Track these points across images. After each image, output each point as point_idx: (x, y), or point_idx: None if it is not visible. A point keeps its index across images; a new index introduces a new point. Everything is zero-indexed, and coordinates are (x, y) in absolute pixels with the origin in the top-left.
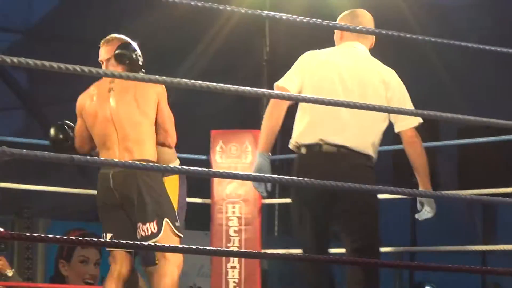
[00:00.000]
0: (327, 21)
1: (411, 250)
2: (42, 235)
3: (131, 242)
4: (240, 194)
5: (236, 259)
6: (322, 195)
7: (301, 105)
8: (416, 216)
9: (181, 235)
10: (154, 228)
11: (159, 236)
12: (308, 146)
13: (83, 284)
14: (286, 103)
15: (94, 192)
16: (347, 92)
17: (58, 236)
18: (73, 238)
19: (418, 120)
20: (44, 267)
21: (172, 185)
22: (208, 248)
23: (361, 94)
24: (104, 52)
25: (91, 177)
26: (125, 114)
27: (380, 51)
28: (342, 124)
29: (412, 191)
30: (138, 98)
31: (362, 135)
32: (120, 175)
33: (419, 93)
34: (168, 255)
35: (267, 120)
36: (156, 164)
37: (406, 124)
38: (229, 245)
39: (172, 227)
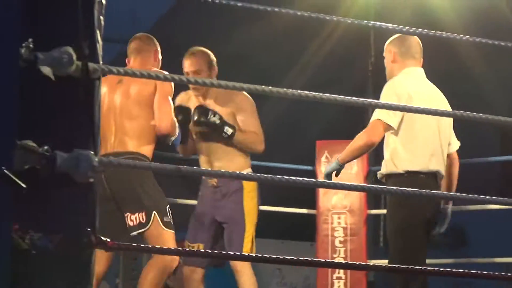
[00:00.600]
0: (432, 31)
1: None
2: (149, 245)
3: (232, 253)
4: (345, 204)
5: (342, 270)
6: (432, 209)
7: (405, 131)
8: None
9: (170, 230)
10: (142, 219)
11: (147, 227)
12: (425, 173)
13: None
14: (383, 133)
15: (195, 202)
16: (438, 121)
17: (164, 247)
18: (178, 248)
19: (459, 144)
20: None
21: (251, 193)
22: (310, 259)
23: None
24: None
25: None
26: (124, 107)
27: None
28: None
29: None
30: (141, 93)
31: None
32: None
33: None
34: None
35: (361, 142)
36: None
37: (456, 146)
38: (334, 255)
39: (159, 221)
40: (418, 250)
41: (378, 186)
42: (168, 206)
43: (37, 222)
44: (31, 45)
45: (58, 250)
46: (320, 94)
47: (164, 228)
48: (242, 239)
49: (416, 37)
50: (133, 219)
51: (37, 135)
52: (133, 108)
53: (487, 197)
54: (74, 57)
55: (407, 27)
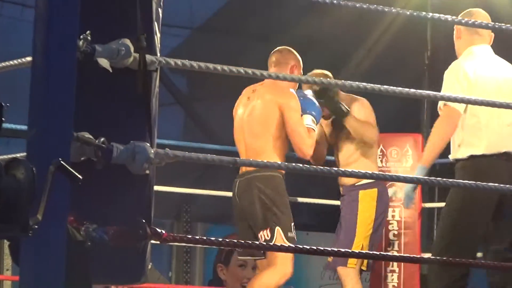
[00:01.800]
0: (487, 23)
1: None
2: (203, 237)
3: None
4: (400, 197)
5: (395, 263)
6: (494, 202)
7: (471, 113)
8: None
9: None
10: (267, 235)
11: (272, 243)
12: (489, 156)
13: None
14: (458, 120)
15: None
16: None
17: (219, 239)
18: (233, 240)
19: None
20: (202, 271)
21: (368, 200)
22: (364, 252)
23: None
24: (274, 61)
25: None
26: (249, 126)
27: None
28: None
29: None
30: (264, 110)
31: None
32: (243, 182)
33: None
34: (278, 262)
35: (438, 136)
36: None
37: None
38: (388, 248)
39: (283, 237)
40: (472, 232)
41: (434, 178)
42: (293, 223)
43: (92, 213)
44: (89, 37)
45: (113, 242)
46: (378, 86)
47: (287, 244)
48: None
49: (484, 13)
50: (260, 236)
51: (94, 127)
52: (256, 126)
53: None
54: (132, 49)
55: (465, 19)
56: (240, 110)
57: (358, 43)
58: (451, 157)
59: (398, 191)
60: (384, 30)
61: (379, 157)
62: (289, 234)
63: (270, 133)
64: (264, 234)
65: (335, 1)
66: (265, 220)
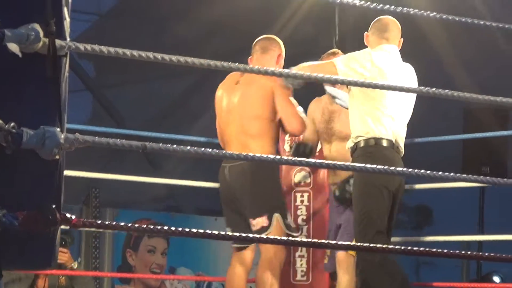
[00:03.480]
0: (399, 7)
1: (478, 239)
2: (113, 222)
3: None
4: (308, 182)
5: (304, 248)
6: (398, 186)
7: (359, 99)
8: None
9: (293, 233)
10: (265, 222)
11: (269, 230)
12: (389, 141)
13: (150, 273)
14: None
15: (164, 181)
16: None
17: (128, 224)
18: (142, 226)
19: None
20: (111, 256)
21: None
22: (272, 237)
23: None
24: (262, 47)
25: (159, 166)
26: (243, 109)
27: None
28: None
29: (482, 178)
30: (259, 93)
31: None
32: (235, 168)
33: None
34: (273, 250)
35: (311, 69)
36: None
37: None
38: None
39: (282, 223)
40: (381, 215)
41: (342, 163)
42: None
43: (2, 199)
44: None
45: (23, 227)
46: (286, 70)
47: (286, 231)
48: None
49: (392, 19)
50: (254, 223)
51: (3, 112)
52: (253, 108)
53: (451, 174)
54: (41, 34)
55: (374, 4)
56: (228, 94)
57: (264, 29)
58: (351, 143)
59: (307, 175)
60: (292, 14)
61: (287, 142)
62: (286, 221)
63: (266, 116)
64: (259, 221)
65: None
66: (262, 207)
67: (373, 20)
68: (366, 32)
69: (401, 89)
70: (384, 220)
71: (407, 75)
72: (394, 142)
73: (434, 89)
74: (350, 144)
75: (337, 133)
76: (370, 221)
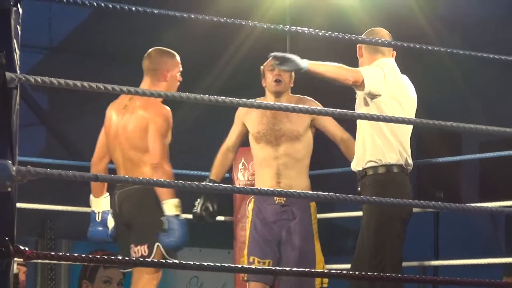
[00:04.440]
0: (347, 35)
1: (434, 264)
2: (67, 254)
3: (160, 261)
4: None
5: None
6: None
7: (373, 123)
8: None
9: (173, 260)
10: (144, 251)
11: (150, 259)
12: (399, 166)
13: None
14: (357, 82)
15: None
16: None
17: (83, 255)
18: (97, 256)
19: None
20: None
21: (315, 212)
22: (227, 265)
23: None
24: (145, 69)
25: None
26: (125, 138)
27: (401, 67)
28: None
29: (436, 204)
30: (137, 123)
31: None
32: (122, 195)
33: (442, 106)
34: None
35: (334, 69)
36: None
37: None
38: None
39: (164, 252)
40: (397, 247)
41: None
42: None
43: None
44: None
45: None
46: (236, 99)
47: (165, 259)
48: (314, 256)
49: (384, 30)
50: (136, 251)
51: None
52: (132, 139)
53: (404, 200)
54: None
55: (322, 31)
56: (116, 117)
57: (212, 57)
58: (360, 166)
59: None
60: (243, 41)
61: (241, 171)
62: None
63: (145, 146)
64: (140, 249)
65: (192, 16)
66: (143, 235)
67: (327, 47)
68: (358, 44)
69: (365, 117)
70: (400, 252)
71: (411, 87)
72: (403, 165)
73: (385, 115)
74: (357, 167)
75: (288, 133)
76: (385, 256)
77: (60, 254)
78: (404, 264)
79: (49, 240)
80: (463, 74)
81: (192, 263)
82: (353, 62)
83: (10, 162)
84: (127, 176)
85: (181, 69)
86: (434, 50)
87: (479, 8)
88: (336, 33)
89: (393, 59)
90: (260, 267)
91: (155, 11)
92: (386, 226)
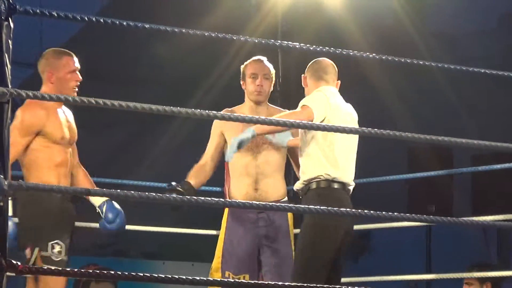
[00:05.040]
0: (338, 50)
1: (426, 278)
2: (59, 268)
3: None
4: None
5: None
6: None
7: (318, 140)
8: None
9: (59, 259)
10: (28, 254)
11: (30, 262)
12: (340, 183)
13: None
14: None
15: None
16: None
17: (75, 269)
18: (89, 271)
19: None
20: None
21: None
22: (219, 279)
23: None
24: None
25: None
26: None
27: (392, 81)
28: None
29: (428, 217)
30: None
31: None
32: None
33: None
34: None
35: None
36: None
37: None
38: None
39: (39, 256)
40: (321, 268)
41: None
42: (52, 242)
43: None
44: None
45: None
46: (228, 114)
47: (43, 264)
48: (293, 260)
49: (328, 60)
50: (23, 255)
51: None
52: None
53: (395, 214)
54: None
55: (314, 46)
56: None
57: (205, 72)
58: (300, 184)
59: None
60: (234, 56)
61: None
62: (44, 253)
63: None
64: (27, 253)
65: (184, 30)
66: (26, 239)
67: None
68: (303, 75)
69: (356, 132)
70: (329, 263)
71: (353, 114)
72: (345, 184)
73: (376, 129)
74: (299, 186)
75: (270, 142)
76: (314, 261)
77: (53, 268)
78: (397, 277)
79: None
80: (453, 87)
81: (177, 277)
82: (343, 74)
83: (2, 176)
84: (118, 190)
85: (75, 68)
86: (425, 65)
87: (470, 21)
88: (327, 48)
89: (335, 88)
90: (233, 281)
91: (146, 26)
92: (320, 234)
